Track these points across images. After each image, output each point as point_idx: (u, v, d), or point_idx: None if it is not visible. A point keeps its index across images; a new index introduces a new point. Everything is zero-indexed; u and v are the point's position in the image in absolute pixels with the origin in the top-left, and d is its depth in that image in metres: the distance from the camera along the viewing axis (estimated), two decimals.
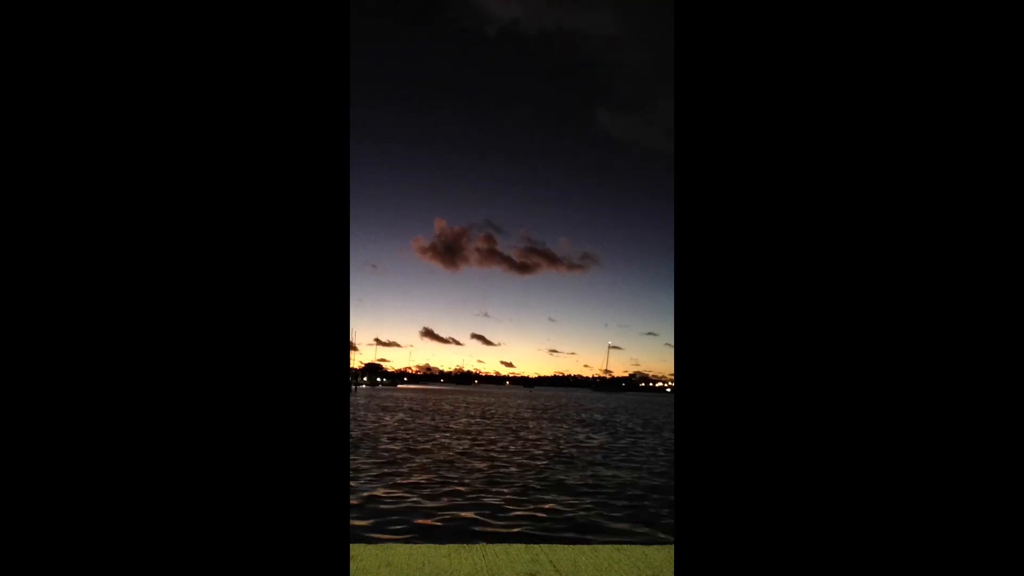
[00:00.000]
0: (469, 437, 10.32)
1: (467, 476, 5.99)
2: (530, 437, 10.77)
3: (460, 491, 5.16)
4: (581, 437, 11.15)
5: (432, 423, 13.42)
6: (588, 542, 3.55)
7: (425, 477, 5.86)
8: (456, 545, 1.77)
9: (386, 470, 6.22)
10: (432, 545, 1.77)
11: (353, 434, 9.99)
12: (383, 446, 8.41)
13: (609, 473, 6.53)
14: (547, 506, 4.66)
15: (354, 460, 6.88)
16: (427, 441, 9.38)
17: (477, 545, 1.79)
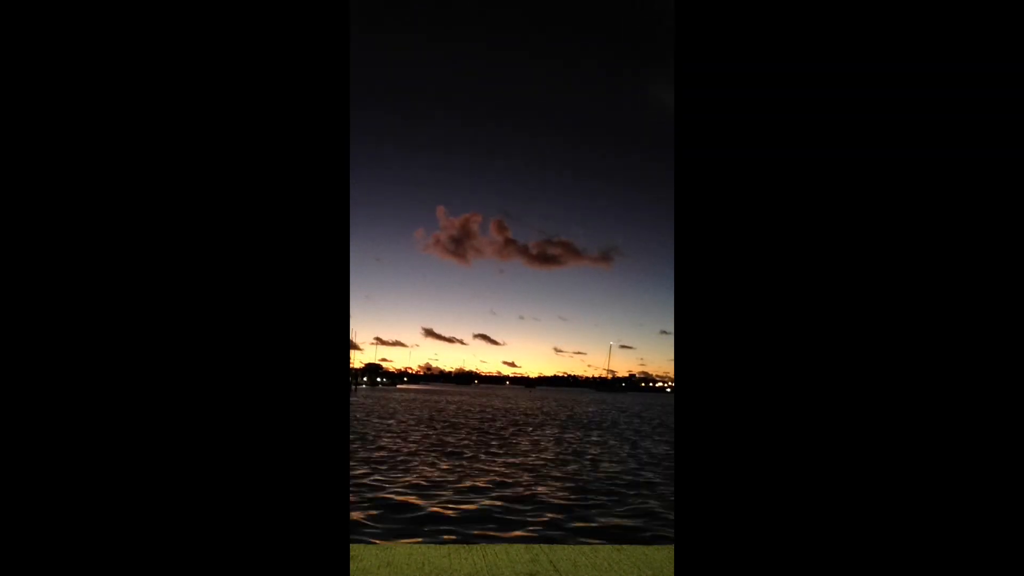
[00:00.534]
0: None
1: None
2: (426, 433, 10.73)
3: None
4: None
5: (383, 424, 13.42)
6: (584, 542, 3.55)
7: None
8: (456, 545, 1.77)
9: None
10: (432, 545, 1.77)
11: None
12: None
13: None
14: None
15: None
16: None
17: (477, 545, 1.79)
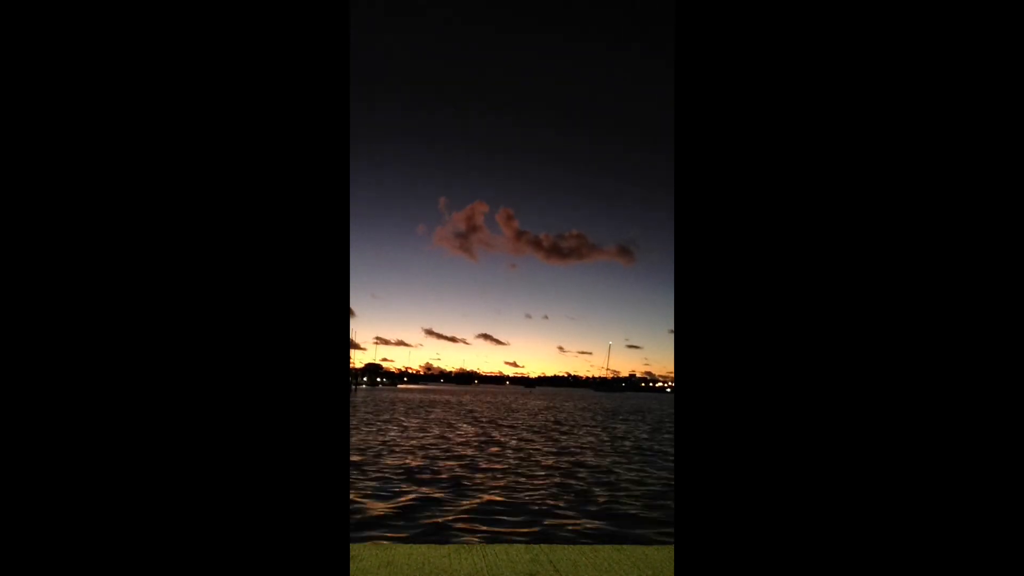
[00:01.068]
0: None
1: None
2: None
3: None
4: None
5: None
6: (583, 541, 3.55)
7: None
8: (456, 545, 1.77)
9: None
10: (432, 545, 1.77)
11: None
12: None
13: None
14: None
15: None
16: None
17: (477, 545, 1.79)
